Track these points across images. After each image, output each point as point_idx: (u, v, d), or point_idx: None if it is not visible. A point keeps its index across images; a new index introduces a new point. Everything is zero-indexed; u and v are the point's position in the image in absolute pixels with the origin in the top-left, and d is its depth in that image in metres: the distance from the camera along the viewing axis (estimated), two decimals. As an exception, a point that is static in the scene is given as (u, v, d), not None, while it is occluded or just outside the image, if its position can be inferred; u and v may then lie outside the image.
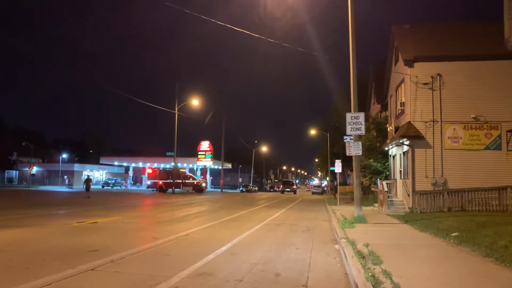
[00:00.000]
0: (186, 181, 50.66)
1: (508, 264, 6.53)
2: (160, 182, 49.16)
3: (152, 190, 49.04)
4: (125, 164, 77.40)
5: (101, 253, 7.54)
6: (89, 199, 27.43)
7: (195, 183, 50.98)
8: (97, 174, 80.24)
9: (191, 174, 54.77)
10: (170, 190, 47.80)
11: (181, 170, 53.97)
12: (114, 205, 22.51)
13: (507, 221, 12.08)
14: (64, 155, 75.33)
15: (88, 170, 77.07)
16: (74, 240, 9.33)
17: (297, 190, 64.84)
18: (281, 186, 62.79)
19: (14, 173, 72.63)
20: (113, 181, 66.35)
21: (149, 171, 54.99)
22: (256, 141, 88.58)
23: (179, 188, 49.64)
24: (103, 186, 64.61)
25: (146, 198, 31.80)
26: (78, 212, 16.99)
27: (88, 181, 32.20)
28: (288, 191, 58.58)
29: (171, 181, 48.09)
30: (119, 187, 63.71)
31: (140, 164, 75.05)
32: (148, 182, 52.61)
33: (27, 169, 66.06)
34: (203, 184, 52.26)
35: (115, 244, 8.78)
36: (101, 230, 11.28)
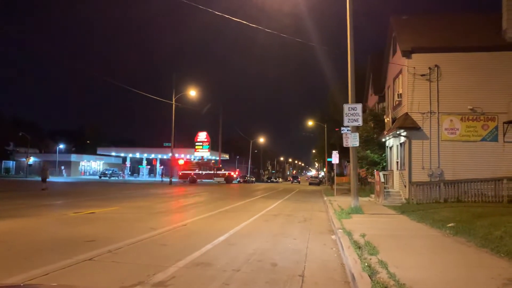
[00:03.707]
0: (218, 172, 55.19)
1: (503, 254, 6.59)
2: (192, 174, 52.83)
3: (184, 181, 52.00)
4: (122, 154, 77.39)
5: (99, 243, 7.55)
6: (44, 191, 23.26)
7: (226, 174, 55.56)
8: (95, 164, 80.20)
9: (220, 166, 58.81)
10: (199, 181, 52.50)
11: (212, 162, 59.79)
12: (111, 195, 22.51)
13: (502, 212, 12.16)
14: (61, 146, 75.12)
15: (85, 161, 77.05)
16: (71, 230, 9.34)
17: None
18: (291, 179, 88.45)
19: (11, 164, 72.46)
20: (110, 172, 66.31)
21: (181, 162, 58.16)
22: (253, 133, 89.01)
23: (211, 179, 53.85)
24: (100, 177, 64.57)
25: (146, 189, 31.74)
26: (75, 202, 16.99)
27: (44, 170, 26.16)
28: (295, 182, 79.83)
29: (202, 172, 53.41)
30: (116, 178, 63.68)
31: (137, 155, 75.06)
32: (180, 173, 55.36)
33: (24, 159, 65.90)
34: (234, 175, 57.51)
35: (112, 234, 8.80)
36: (98, 220, 11.29)
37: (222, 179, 54.34)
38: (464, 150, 18.30)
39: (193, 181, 51.37)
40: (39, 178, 26.14)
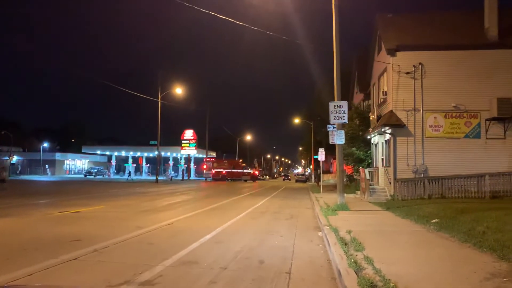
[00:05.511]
0: (245, 171, 60.94)
1: (485, 249, 6.71)
2: (224, 172, 57.63)
3: (214, 179, 56.45)
4: (107, 153, 76.55)
5: (84, 243, 7.48)
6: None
7: (252, 173, 61.84)
8: (80, 163, 79.21)
9: (245, 165, 64.74)
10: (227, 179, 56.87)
11: (240, 161, 65.63)
12: (96, 194, 22.29)
13: (484, 207, 12.39)
14: (46, 144, 73.98)
15: (70, 159, 76.04)
16: (56, 230, 9.23)
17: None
18: (283, 177, 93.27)
19: (-7, 163, 71.08)
20: (95, 170, 65.54)
21: (213, 160, 62.54)
22: (240, 130, 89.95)
23: (240, 177, 58.76)
24: (85, 175, 63.78)
25: (132, 187, 31.49)
26: (60, 201, 16.78)
27: (2, 169, 23.87)
28: (286, 179, 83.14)
29: (234, 170, 58.51)
30: (101, 176, 62.99)
31: (123, 153, 74.32)
32: (213, 171, 58.86)
33: (7, 158, 64.77)
34: (257, 174, 63.44)
35: (98, 233, 8.72)
36: (83, 219, 11.18)
37: (248, 177, 59.47)
38: (448, 147, 18.57)
39: (222, 179, 55.54)
40: (19, 177, 25.28)
